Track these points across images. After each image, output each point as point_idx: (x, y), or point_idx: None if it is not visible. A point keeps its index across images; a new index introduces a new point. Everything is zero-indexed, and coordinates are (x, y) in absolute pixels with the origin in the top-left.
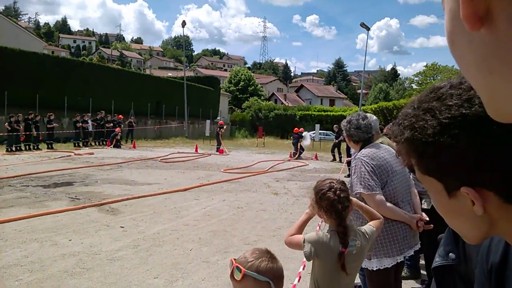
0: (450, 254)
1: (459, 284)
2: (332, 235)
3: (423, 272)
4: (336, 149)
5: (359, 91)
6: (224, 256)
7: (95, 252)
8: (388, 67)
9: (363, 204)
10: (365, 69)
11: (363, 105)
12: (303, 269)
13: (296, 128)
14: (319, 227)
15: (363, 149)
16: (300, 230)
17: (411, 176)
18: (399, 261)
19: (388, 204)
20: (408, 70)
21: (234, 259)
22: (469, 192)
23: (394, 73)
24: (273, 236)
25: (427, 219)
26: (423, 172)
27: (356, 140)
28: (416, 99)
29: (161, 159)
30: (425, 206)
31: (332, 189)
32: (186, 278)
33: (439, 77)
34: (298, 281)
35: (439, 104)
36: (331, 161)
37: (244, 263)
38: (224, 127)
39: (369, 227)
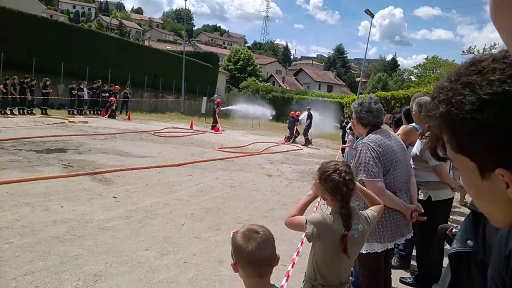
0: (468, 241)
1: (475, 272)
2: (336, 217)
3: (413, 263)
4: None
5: (358, 78)
6: (216, 233)
7: (87, 221)
8: (389, 57)
9: (364, 188)
10: (366, 57)
11: (361, 93)
12: (297, 255)
13: (292, 112)
14: (316, 208)
15: (370, 134)
16: (301, 211)
17: (412, 166)
18: (389, 247)
19: (387, 192)
20: (408, 61)
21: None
22: (504, 174)
23: (394, 64)
24: (265, 217)
25: (422, 211)
26: (456, 150)
27: (365, 124)
28: (453, 71)
29: (154, 133)
30: (421, 197)
31: (337, 171)
32: (177, 252)
33: (438, 71)
34: (292, 267)
35: (479, 79)
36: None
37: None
38: (220, 106)
39: (371, 211)
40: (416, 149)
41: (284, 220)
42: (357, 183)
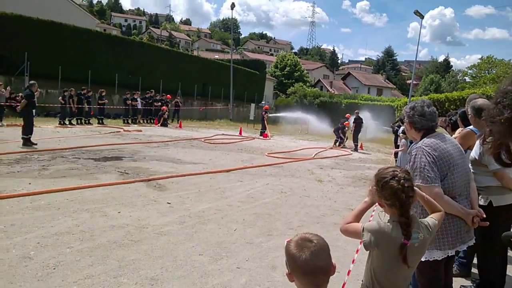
0: None
1: None
2: (394, 226)
3: (474, 271)
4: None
5: (408, 81)
6: (267, 238)
7: (143, 226)
8: (441, 58)
9: (424, 194)
10: (416, 59)
11: (412, 96)
12: (352, 262)
13: (347, 122)
14: (372, 217)
15: (425, 138)
16: (357, 218)
17: (471, 170)
18: (450, 255)
19: (445, 197)
20: (461, 62)
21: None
22: None
23: (446, 65)
24: (317, 223)
25: (484, 216)
26: None
27: (418, 128)
28: None
29: (205, 140)
30: (481, 202)
31: (396, 178)
32: (230, 257)
33: (494, 71)
34: (347, 274)
35: None
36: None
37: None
38: (269, 112)
39: (431, 219)
40: (474, 153)
41: (340, 226)
42: (417, 189)
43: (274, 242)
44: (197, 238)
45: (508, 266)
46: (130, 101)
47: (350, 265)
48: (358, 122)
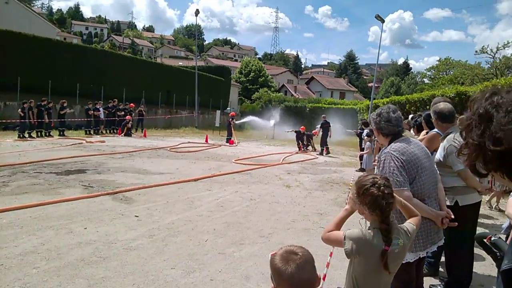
0: None
1: None
2: (375, 233)
3: (441, 270)
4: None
5: (370, 84)
6: (239, 248)
7: (111, 241)
8: (400, 61)
9: (401, 199)
10: (377, 62)
11: (374, 98)
12: (327, 266)
13: (303, 127)
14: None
15: (392, 143)
16: (338, 226)
17: (438, 172)
18: (421, 256)
19: (415, 200)
20: (420, 64)
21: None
22: None
23: (406, 67)
24: (288, 229)
25: (452, 216)
26: None
27: (385, 134)
28: None
29: (170, 149)
30: (448, 202)
31: (376, 185)
32: (202, 269)
33: (452, 72)
34: (323, 279)
35: None
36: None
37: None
38: (235, 119)
39: (410, 225)
40: (439, 155)
41: (321, 235)
42: (396, 195)
43: (246, 251)
44: (168, 251)
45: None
46: (92, 111)
47: (325, 269)
48: (325, 127)
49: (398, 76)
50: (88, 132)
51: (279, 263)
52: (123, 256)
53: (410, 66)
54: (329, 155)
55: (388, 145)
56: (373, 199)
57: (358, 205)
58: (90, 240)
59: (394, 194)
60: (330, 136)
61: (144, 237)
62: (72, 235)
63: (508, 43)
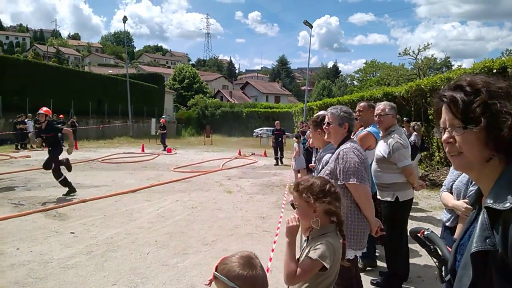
0: (488, 240)
1: (494, 272)
2: (333, 235)
3: (381, 264)
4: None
5: (303, 87)
6: (183, 258)
7: (47, 261)
8: (330, 64)
9: None
10: (308, 66)
11: (308, 101)
12: (268, 272)
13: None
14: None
15: (350, 142)
16: (296, 261)
17: (377, 169)
18: (359, 255)
19: (370, 198)
20: (348, 67)
21: (224, 258)
22: None
23: (335, 70)
24: (231, 235)
25: (382, 226)
26: None
27: (350, 131)
28: None
29: (103, 160)
30: (389, 198)
31: (330, 184)
32: (146, 283)
33: (378, 74)
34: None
35: None
36: (275, 165)
37: (221, 264)
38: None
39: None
40: (383, 151)
41: (288, 283)
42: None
43: (190, 261)
44: (108, 267)
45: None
46: (21, 125)
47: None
48: (277, 134)
49: (329, 79)
50: (19, 147)
51: (245, 270)
52: (61, 276)
53: (340, 69)
54: (264, 157)
55: (341, 143)
56: (337, 197)
57: (315, 211)
58: (24, 261)
59: None
60: (284, 144)
61: (82, 254)
62: (4, 257)
63: (428, 45)
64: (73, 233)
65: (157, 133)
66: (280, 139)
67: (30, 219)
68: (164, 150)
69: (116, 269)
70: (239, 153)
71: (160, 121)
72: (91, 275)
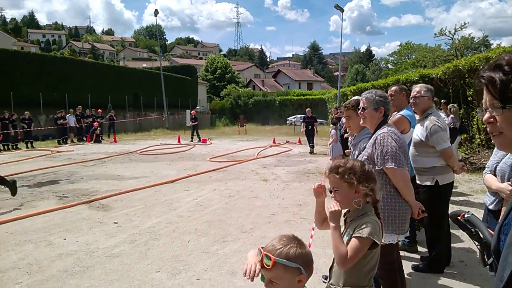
0: None
1: None
2: (373, 215)
3: (422, 249)
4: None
5: (336, 73)
6: (222, 245)
7: (92, 250)
8: (363, 48)
9: None
10: (341, 51)
11: (341, 87)
12: None
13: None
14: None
15: (387, 126)
16: (343, 243)
17: (415, 153)
18: (400, 239)
19: (410, 182)
20: (382, 50)
21: (262, 247)
22: None
23: (369, 54)
24: (269, 222)
25: (423, 208)
26: None
27: (387, 115)
28: None
29: (141, 152)
30: (428, 182)
31: (366, 165)
32: (188, 270)
33: (413, 56)
34: None
35: None
36: (310, 152)
37: (273, 250)
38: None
39: None
40: (420, 135)
41: (342, 265)
42: None
43: (230, 248)
44: (151, 255)
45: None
46: (61, 120)
47: None
48: (308, 121)
49: (362, 63)
50: (61, 142)
51: (302, 249)
52: (106, 264)
53: (373, 52)
54: (300, 145)
55: (377, 128)
56: (374, 176)
57: (355, 194)
58: (71, 251)
59: None
60: (316, 132)
61: (126, 243)
62: (52, 247)
63: (465, 24)
64: (116, 223)
65: (190, 125)
66: (311, 126)
67: (75, 211)
68: (199, 141)
69: (159, 257)
70: (274, 142)
71: (191, 112)
72: (135, 263)
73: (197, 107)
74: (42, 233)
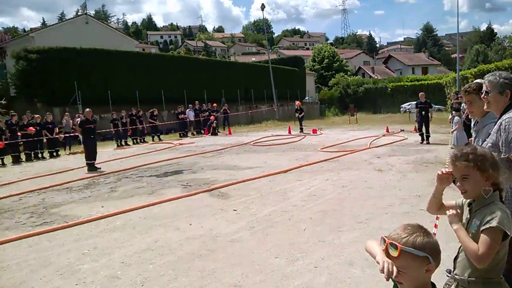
0: None
1: None
2: (498, 203)
3: None
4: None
5: (453, 55)
6: (338, 235)
7: (215, 235)
8: (483, 27)
9: None
10: (458, 31)
11: (460, 70)
12: None
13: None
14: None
15: None
16: (473, 241)
17: None
18: None
19: None
20: (505, 27)
21: (386, 237)
22: None
23: (490, 33)
24: (385, 213)
25: None
26: None
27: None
28: None
29: (254, 143)
30: None
31: (492, 152)
32: (305, 257)
33: None
34: None
35: None
36: (420, 143)
37: (398, 239)
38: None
39: None
40: None
41: (478, 263)
42: None
43: (346, 238)
44: (269, 242)
45: None
46: (182, 115)
47: None
48: (421, 107)
49: (483, 43)
50: (183, 135)
51: (429, 237)
52: (229, 248)
53: (495, 31)
54: (415, 133)
55: (503, 113)
56: (500, 167)
57: (485, 182)
58: (197, 235)
59: None
60: (431, 119)
61: (245, 230)
62: (180, 232)
63: None
64: (235, 210)
65: (297, 116)
66: (424, 112)
67: (198, 198)
68: (301, 132)
69: (277, 244)
70: (387, 130)
71: (297, 103)
72: (254, 248)
73: (306, 98)
74: (170, 218)
